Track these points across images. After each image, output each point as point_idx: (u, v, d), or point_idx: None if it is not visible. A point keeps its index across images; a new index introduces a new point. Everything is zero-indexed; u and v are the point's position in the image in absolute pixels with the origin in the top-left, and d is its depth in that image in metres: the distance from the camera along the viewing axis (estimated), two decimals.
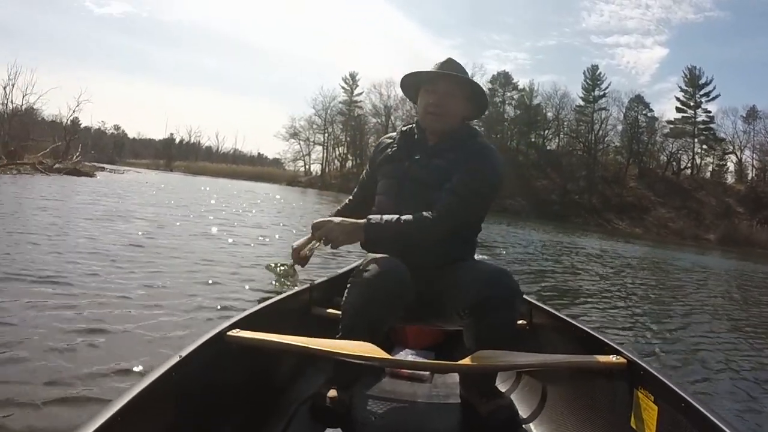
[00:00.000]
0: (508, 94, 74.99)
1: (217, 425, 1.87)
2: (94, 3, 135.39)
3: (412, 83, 2.61)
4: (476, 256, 2.69)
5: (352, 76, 77.10)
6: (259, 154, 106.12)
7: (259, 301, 2.44)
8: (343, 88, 76.74)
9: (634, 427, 1.82)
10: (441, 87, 2.48)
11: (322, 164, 76.30)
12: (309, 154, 77.80)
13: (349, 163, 74.66)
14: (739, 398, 3.71)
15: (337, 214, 2.71)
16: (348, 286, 2.28)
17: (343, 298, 2.29)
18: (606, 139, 72.69)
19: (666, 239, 49.49)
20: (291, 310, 2.57)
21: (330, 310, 2.74)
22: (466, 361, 1.97)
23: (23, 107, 36.67)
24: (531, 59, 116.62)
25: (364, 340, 2.03)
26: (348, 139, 75.40)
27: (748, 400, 3.69)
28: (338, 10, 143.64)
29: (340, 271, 3.24)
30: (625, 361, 1.94)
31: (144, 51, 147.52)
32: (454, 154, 2.46)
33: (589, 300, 7.47)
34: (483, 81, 73.74)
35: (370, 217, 2.41)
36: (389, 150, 2.64)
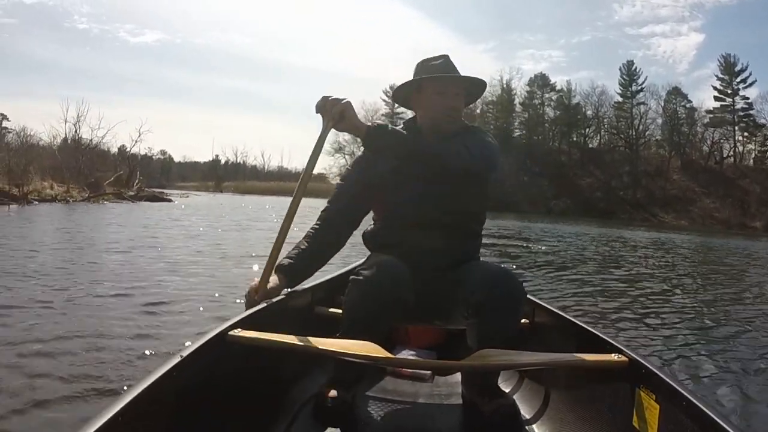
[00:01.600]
0: (547, 95, 75.02)
1: (219, 425, 1.87)
2: (128, 33, 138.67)
3: (408, 85, 2.57)
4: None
5: (392, 88, 75.98)
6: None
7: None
8: (384, 101, 77.21)
9: (636, 426, 1.80)
10: (453, 89, 2.47)
11: None
12: None
13: None
14: (741, 398, 3.62)
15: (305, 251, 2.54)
16: (349, 284, 2.25)
17: (344, 297, 2.26)
18: (647, 133, 72.26)
19: (712, 230, 48.64)
20: (292, 309, 2.56)
21: (331, 310, 2.72)
22: (468, 360, 1.95)
23: (94, 141, 38.50)
24: (566, 56, 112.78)
25: (365, 338, 2.00)
26: None
27: (751, 399, 3.60)
28: (370, 25, 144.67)
29: (342, 270, 3.19)
30: (626, 360, 1.91)
31: (180, 76, 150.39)
32: (461, 148, 2.39)
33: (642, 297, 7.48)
34: (521, 84, 75.33)
35: (379, 123, 2.37)
36: (386, 160, 2.56)
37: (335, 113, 2.29)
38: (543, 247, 15.26)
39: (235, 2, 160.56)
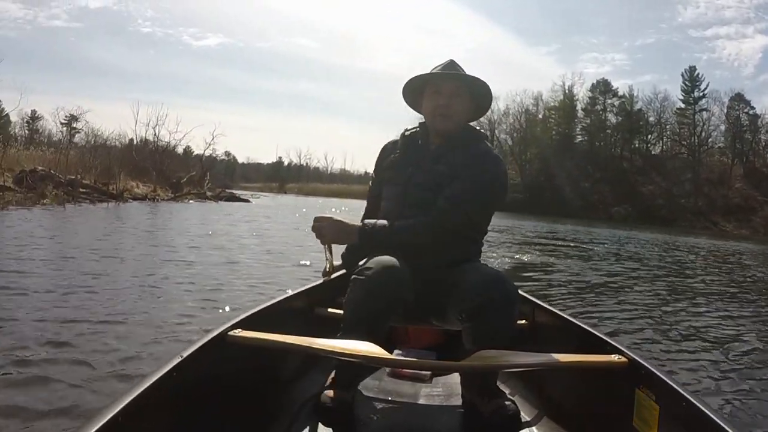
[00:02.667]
0: (609, 101, 74.20)
1: (218, 425, 1.89)
2: (191, 37, 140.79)
3: (413, 89, 2.58)
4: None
5: None
6: (365, 172, 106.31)
7: (261, 302, 2.44)
8: None
9: (635, 426, 1.79)
10: (447, 88, 2.45)
11: None
12: None
13: None
14: (741, 398, 3.59)
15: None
16: (350, 284, 2.24)
17: (345, 296, 2.26)
18: (709, 140, 70.34)
19: None
20: (292, 310, 2.57)
21: (332, 310, 2.71)
22: (468, 360, 1.93)
23: (173, 144, 40.81)
24: (629, 59, 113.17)
25: (365, 339, 1.99)
26: None
27: (751, 399, 3.59)
28: (432, 27, 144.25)
29: (343, 270, 3.17)
30: (626, 360, 1.90)
31: (243, 78, 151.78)
32: (457, 159, 2.41)
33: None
34: (583, 90, 74.18)
35: (365, 221, 2.42)
36: (393, 155, 2.61)
37: (320, 236, 2.47)
38: (598, 252, 15.54)
39: (299, 7, 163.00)
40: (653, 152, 73.33)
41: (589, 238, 22.10)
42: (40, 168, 22.58)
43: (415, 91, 2.57)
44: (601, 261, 13.37)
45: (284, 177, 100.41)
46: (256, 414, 2.09)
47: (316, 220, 2.46)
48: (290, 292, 2.64)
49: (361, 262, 2.27)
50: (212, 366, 1.85)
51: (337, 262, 2.77)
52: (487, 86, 2.51)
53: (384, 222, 2.37)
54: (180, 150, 43.29)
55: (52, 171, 22.73)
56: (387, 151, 2.68)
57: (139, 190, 28.65)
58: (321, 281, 2.89)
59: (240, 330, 1.99)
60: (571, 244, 18.11)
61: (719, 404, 3.42)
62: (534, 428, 2.21)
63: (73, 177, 23.14)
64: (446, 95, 2.44)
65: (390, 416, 2.33)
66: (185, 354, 1.71)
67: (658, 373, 1.75)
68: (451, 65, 2.50)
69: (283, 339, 1.97)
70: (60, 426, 2.54)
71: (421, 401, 2.52)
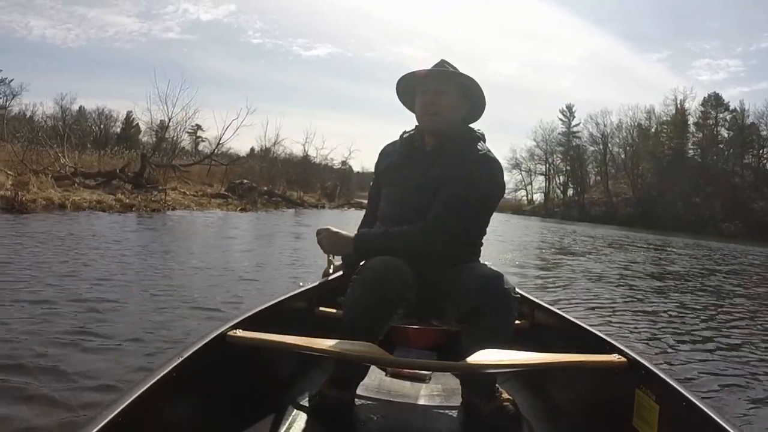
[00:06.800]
0: (720, 115, 73.07)
1: (219, 425, 1.88)
2: (301, 47, 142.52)
3: (405, 91, 2.56)
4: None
5: (569, 108, 79.65)
6: None
7: (261, 302, 2.44)
8: (560, 120, 79.86)
9: (635, 426, 1.80)
10: (432, 85, 2.41)
11: (545, 192, 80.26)
12: (531, 184, 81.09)
13: (570, 191, 77.99)
14: (741, 398, 3.61)
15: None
16: (351, 283, 2.24)
17: (346, 295, 2.26)
18: None
19: None
20: (293, 310, 2.58)
21: (332, 310, 2.73)
22: (468, 361, 1.91)
23: (320, 161, 45.59)
24: (744, 65, 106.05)
25: (365, 339, 1.98)
26: (568, 168, 78.07)
27: (751, 399, 3.59)
28: (537, 33, 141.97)
29: (340, 272, 3.13)
30: (626, 360, 1.90)
31: (353, 88, 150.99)
32: (452, 160, 2.37)
33: None
34: (694, 104, 73.05)
35: (360, 231, 2.44)
36: (391, 158, 2.58)
37: (321, 247, 2.47)
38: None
39: (406, 17, 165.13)
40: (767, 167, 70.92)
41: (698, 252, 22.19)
42: (245, 180, 28.43)
43: (408, 93, 2.55)
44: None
45: None
46: (256, 414, 2.09)
47: (318, 232, 2.44)
48: (290, 293, 2.63)
49: (362, 263, 2.28)
50: (212, 366, 1.85)
51: (339, 261, 2.84)
52: (474, 80, 2.44)
53: (378, 230, 2.37)
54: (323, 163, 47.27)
55: (253, 183, 28.45)
56: (386, 153, 2.65)
57: (308, 199, 33.82)
58: (321, 281, 2.91)
59: (240, 330, 1.99)
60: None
61: (720, 404, 3.36)
62: (534, 428, 2.17)
63: (266, 187, 29.12)
64: (432, 93, 2.41)
65: (390, 416, 2.30)
66: (185, 354, 1.71)
67: (659, 373, 1.74)
68: (440, 64, 2.46)
69: (283, 339, 1.96)
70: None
71: (421, 401, 2.49)
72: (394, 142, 2.65)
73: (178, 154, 28.29)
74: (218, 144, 30.22)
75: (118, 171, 21.46)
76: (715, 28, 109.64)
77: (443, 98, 2.41)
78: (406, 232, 2.28)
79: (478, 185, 2.33)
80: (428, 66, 2.49)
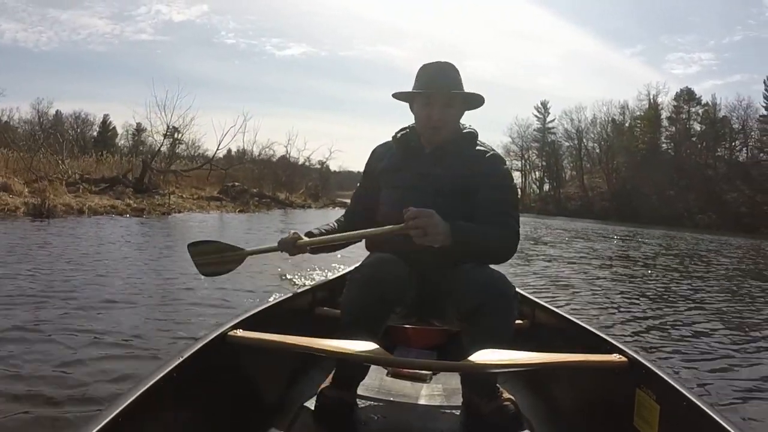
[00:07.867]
0: (693, 109, 73.87)
1: (219, 425, 1.88)
2: (274, 47, 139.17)
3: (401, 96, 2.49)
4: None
5: (544, 104, 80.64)
6: None
7: (262, 302, 2.44)
8: (536, 116, 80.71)
9: (636, 426, 1.78)
10: (440, 100, 2.35)
11: (521, 188, 77.08)
12: None
13: (546, 186, 79.25)
14: (742, 398, 3.57)
15: (332, 230, 2.59)
16: (346, 283, 2.23)
17: (343, 294, 2.23)
18: None
19: None
20: (293, 310, 2.58)
21: (331, 310, 2.71)
22: (468, 360, 1.89)
23: (302, 161, 45.27)
24: (717, 59, 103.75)
25: (363, 338, 1.96)
26: (544, 163, 79.19)
27: (751, 399, 3.57)
28: (518, 32, 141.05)
29: (342, 272, 3.14)
30: (626, 360, 1.89)
31: (329, 87, 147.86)
32: (455, 161, 2.36)
33: None
34: (667, 100, 73.81)
35: (456, 222, 2.15)
36: (387, 160, 2.52)
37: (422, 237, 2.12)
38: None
39: (383, 16, 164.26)
40: (740, 159, 72.51)
41: (667, 243, 22.63)
42: (237, 183, 29.44)
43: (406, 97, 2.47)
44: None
45: None
46: (256, 414, 2.08)
47: (413, 215, 2.06)
48: (290, 293, 2.62)
49: (358, 262, 2.27)
50: (212, 366, 1.85)
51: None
52: (482, 97, 2.42)
53: (473, 224, 2.22)
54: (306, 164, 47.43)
55: (244, 185, 29.37)
56: (379, 155, 2.57)
57: (294, 199, 34.71)
58: (321, 281, 2.92)
59: (240, 330, 1.99)
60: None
61: (720, 404, 3.35)
62: (534, 428, 2.16)
63: (255, 189, 30.18)
64: (439, 107, 2.34)
65: (390, 416, 2.29)
66: (185, 354, 1.71)
67: (659, 373, 1.73)
68: (443, 73, 2.38)
69: (283, 339, 1.95)
70: None
71: (421, 401, 2.48)
72: (387, 143, 2.58)
73: (175, 159, 28.83)
74: (218, 149, 31.07)
75: (120, 176, 22.16)
76: (694, 22, 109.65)
77: (449, 113, 2.38)
78: (497, 232, 2.23)
79: (511, 185, 2.38)
80: (425, 60, 2.47)
